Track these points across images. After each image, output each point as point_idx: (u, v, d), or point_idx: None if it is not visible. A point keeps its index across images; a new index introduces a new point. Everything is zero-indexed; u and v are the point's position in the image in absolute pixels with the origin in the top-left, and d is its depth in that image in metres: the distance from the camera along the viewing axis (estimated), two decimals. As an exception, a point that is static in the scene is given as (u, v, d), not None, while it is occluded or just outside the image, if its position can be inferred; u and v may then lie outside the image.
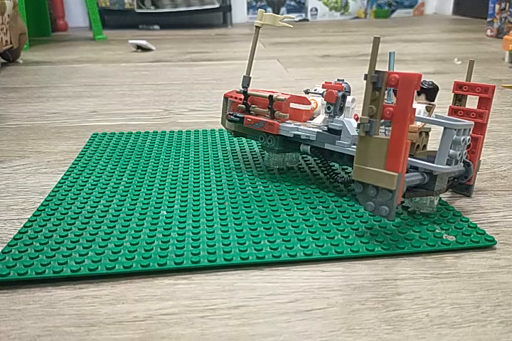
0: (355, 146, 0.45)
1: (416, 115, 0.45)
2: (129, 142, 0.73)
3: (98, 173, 0.60)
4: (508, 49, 1.36)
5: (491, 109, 0.51)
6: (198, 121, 0.86)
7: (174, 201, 0.52)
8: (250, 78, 0.59)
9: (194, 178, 0.58)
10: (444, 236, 0.44)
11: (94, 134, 0.77)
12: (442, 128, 0.45)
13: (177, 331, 0.33)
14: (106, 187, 0.56)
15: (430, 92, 0.51)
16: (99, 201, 0.52)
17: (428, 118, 0.48)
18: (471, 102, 0.53)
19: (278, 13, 2.80)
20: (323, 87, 0.54)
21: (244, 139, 0.73)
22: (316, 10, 3.06)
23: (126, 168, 0.62)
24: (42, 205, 0.51)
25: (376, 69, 0.41)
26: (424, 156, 0.49)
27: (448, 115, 0.51)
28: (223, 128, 0.68)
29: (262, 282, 0.39)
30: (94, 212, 0.50)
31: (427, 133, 0.51)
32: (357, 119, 0.55)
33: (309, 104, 0.57)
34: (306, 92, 0.56)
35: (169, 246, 0.43)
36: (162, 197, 0.53)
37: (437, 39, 2.03)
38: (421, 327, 0.33)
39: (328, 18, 3.08)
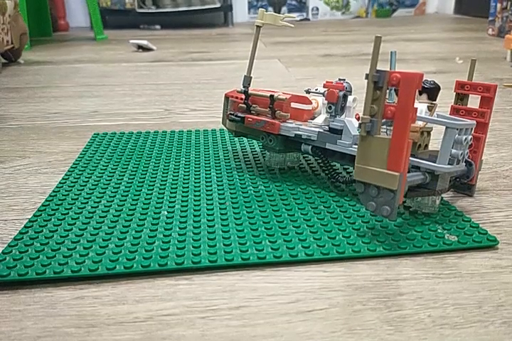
0: (356, 146, 0.45)
1: (417, 114, 0.45)
2: (130, 142, 0.73)
3: (99, 173, 0.60)
4: (510, 48, 1.36)
5: (493, 108, 0.51)
6: (198, 121, 0.86)
7: (175, 201, 0.52)
8: (251, 78, 0.58)
9: (195, 178, 0.58)
10: (446, 236, 0.44)
11: (95, 134, 0.77)
12: (444, 127, 0.45)
13: (178, 332, 0.33)
14: (107, 187, 0.56)
15: (432, 92, 0.51)
16: (100, 201, 0.52)
17: (430, 117, 0.48)
18: (473, 101, 0.52)
19: (279, 13, 2.80)
20: (324, 86, 0.53)
21: (245, 139, 0.73)
22: (317, 9, 3.06)
23: (127, 168, 0.62)
24: (43, 205, 0.51)
25: (377, 68, 0.41)
26: (426, 156, 0.48)
27: (450, 114, 0.51)
28: (224, 128, 0.68)
29: (263, 282, 0.39)
30: (94, 212, 0.49)
31: (429, 133, 0.51)
32: (358, 119, 0.55)
33: (310, 103, 0.57)
34: (307, 92, 0.56)
35: (170, 246, 0.43)
36: (163, 197, 0.53)
37: (439, 38, 2.02)
38: (423, 328, 0.33)
39: (329, 17, 3.08)
